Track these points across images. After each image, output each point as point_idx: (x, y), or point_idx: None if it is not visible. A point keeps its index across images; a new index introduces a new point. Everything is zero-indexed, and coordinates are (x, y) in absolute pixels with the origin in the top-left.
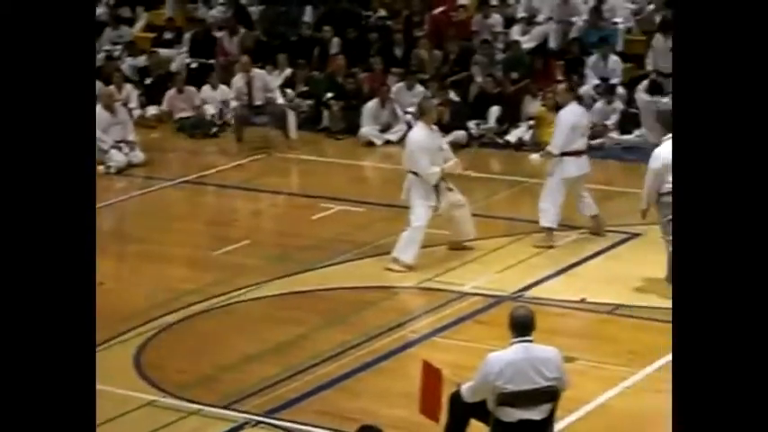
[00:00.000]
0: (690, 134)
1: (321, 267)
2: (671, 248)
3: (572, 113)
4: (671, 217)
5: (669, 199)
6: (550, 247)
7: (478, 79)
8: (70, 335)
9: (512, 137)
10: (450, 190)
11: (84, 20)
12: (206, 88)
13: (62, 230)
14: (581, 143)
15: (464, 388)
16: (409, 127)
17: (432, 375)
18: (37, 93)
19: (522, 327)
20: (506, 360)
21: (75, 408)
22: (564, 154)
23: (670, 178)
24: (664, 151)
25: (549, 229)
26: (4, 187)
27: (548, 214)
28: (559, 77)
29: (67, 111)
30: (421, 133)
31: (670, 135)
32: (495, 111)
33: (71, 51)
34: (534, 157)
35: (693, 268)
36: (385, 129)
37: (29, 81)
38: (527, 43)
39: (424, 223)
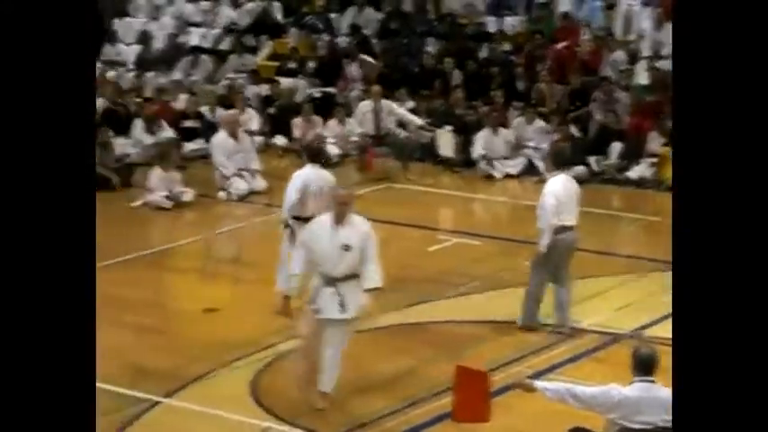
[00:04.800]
0: (691, 152)
1: (436, 300)
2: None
3: None
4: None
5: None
6: None
7: (597, 116)
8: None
9: (633, 173)
10: None
11: (82, 28)
12: (332, 123)
13: (61, 244)
14: None
15: (579, 389)
16: (530, 161)
17: (473, 379)
18: (35, 103)
19: (644, 366)
20: (625, 394)
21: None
22: None
23: (563, 215)
24: (554, 189)
25: None
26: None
27: None
28: None
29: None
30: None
31: (557, 172)
32: (616, 147)
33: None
34: None
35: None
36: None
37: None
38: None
39: None
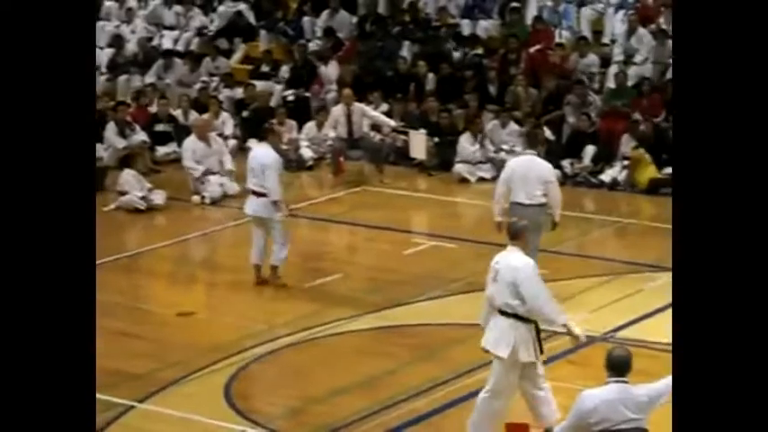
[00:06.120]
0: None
1: (412, 303)
2: None
3: None
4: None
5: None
6: None
7: (570, 119)
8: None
9: (606, 176)
10: None
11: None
12: (309, 126)
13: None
14: None
15: (557, 429)
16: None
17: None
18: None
19: (618, 367)
20: (601, 398)
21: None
22: None
23: (514, 192)
24: (512, 164)
25: None
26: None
27: None
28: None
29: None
30: None
31: (529, 152)
32: (590, 150)
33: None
34: None
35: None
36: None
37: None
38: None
39: None
